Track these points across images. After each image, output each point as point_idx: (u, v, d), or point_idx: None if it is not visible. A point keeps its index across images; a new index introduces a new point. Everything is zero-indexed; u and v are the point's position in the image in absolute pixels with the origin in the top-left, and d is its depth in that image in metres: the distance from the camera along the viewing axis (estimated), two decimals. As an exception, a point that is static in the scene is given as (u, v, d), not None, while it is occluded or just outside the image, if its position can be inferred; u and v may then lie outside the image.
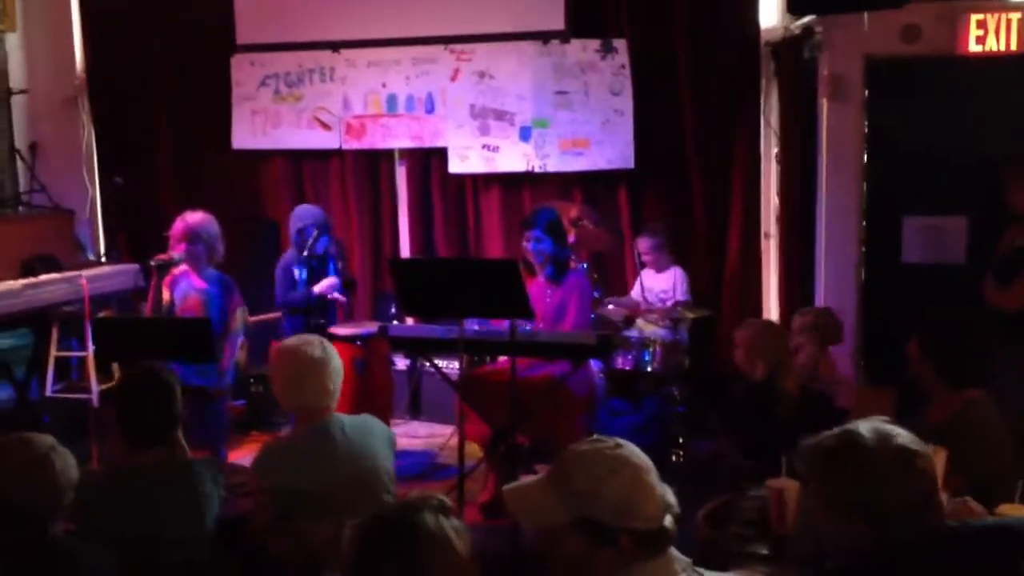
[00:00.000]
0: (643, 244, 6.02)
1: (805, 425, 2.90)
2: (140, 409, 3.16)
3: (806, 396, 4.12)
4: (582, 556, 1.98)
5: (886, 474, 2.07)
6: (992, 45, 5.06)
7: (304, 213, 5.83)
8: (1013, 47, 5.04)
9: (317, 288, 5.60)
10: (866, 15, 5.19)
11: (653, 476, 2.00)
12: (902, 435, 2.12)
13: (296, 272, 5.65)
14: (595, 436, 2.11)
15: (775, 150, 6.02)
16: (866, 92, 5.42)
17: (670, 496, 2.01)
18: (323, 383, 3.27)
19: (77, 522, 2.98)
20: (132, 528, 2.97)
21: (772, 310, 6.12)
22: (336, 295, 5.69)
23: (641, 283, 6.03)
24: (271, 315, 6.15)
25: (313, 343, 3.34)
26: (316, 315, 5.56)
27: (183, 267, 5.12)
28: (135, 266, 6.21)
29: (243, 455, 5.67)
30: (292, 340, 3.41)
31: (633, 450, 2.04)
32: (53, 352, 5.92)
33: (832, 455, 2.14)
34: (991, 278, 4.50)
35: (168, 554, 2.99)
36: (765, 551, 2.97)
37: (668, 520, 1.98)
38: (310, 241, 5.57)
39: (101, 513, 3.00)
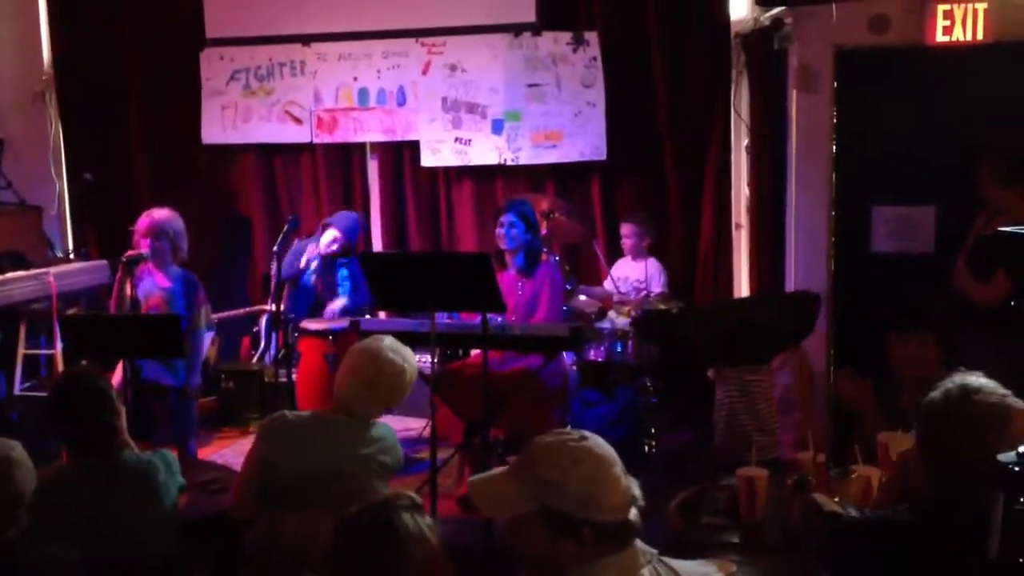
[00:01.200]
0: (627, 228, 6.05)
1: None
2: (73, 417, 3.11)
3: None
4: (546, 547, 1.97)
5: (970, 426, 2.29)
6: (959, 35, 5.08)
7: (356, 221, 5.97)
8: (980, 37, 5.06)
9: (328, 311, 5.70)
10: (834, 6, 5.22)
11: (618, 468, 1.99)
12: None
13: (303, 261, 5.74)
14: (560, 429, 2.11)
15: (746, 141, 6.04)
16: (835, 83, 5.43)
17: (635, 489, 2.00)
18: (389, 395, 3.29)
19: (32, 527, 2.95)
20: (89, 525, 2.94)
21: (744, 300, 6.14)
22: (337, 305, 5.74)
23: (620, 273, 6.04)
24: (242, 311, 6.12)
25: (387, 345, 3.29)
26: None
27: (147, 264, 5.08)
28: (104, 263, 6.17)
29: (213, 452, 5.66)
30: (384, 345, 3.32)
31: (598, 442, 2.03)
32: (21, 350, 5.89)
33: (939, 399, 2.36)
34: (965, 268, 4.52)
35: (129, 550, 2.97)
36: (736, 540, 2.98)
37: (633, 514, 1.97)
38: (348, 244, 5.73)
39: (56, 512, 2.96)
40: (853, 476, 3.09)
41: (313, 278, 5.78)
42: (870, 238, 5.40)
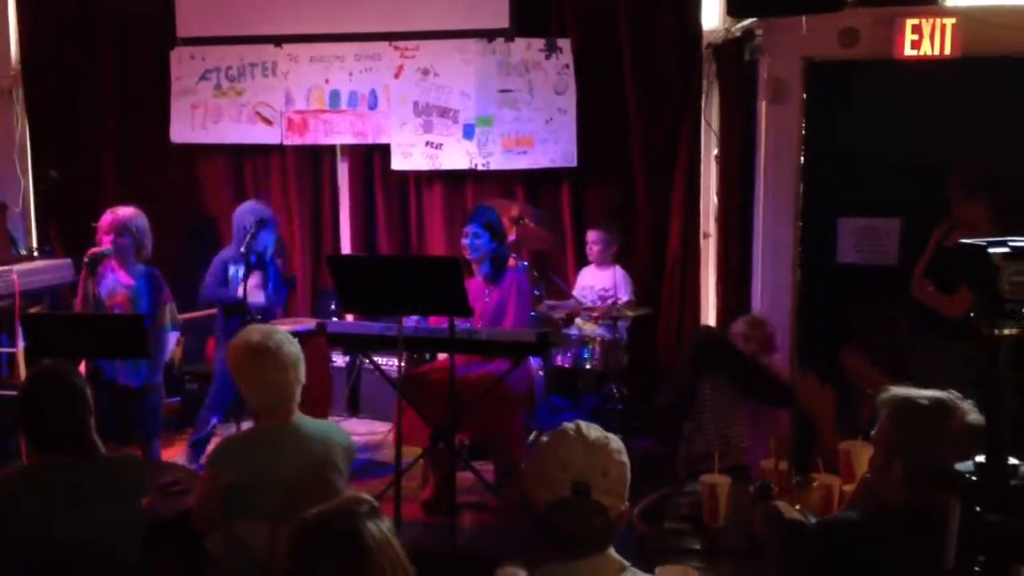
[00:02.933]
0: (593, 235, 6.08)
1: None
2: (44, 413, 3.07)
3: None
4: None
5: (956, 442, 2.29)
6: (927, 50, 5.14)
7: (246, 209, 5.72)
8: (947, 52, 5.12)
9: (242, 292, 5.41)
10: (805, 19, 5.25)
11: (567, 475, 2.00)
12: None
13: (232, 269, 5.55)
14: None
15: (715, 151, 6.07)
16: (804, 94, 5.48)
17: (575, 510, 2.00)
18: (279, 378, 3.17)
19: None
20: (54, 525, 2.92)
21: (710, 309, 6.17)
22: (260, 299, 5.54)
23: (586, 280, 6.06)
24: (208, 312, 6.06)
25: (265, 335, 3.22)
26: (254, 314, 5.44)
27: (111, 262, 5.03)
28: (67, 261, 6.09)
29: (177, 452, 5.61)
30: (250, 332, 3.28)
31: (588, 447, 2.04)
32: (-18, 348, 5.82)
33: (925, 411, 2.39)
34: (923, 278, 4.58)
35: (94, 550, 2.94)
36: (698, 546, 3.00)
37: (552, 518, 2.00)
38: (247, 238, 5.45)
39: (13, 514, 2.94)
40: (814, 485, 3.11)
41: (262, 295, 5.65)
42: (836, 249, 5.44)
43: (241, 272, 5.43)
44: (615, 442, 2.09)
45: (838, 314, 4.07)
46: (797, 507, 2.92)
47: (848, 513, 2.66)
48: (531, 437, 5.01)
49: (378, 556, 1.97)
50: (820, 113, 5.47)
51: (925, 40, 5.12)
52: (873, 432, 2.55)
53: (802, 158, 5.49)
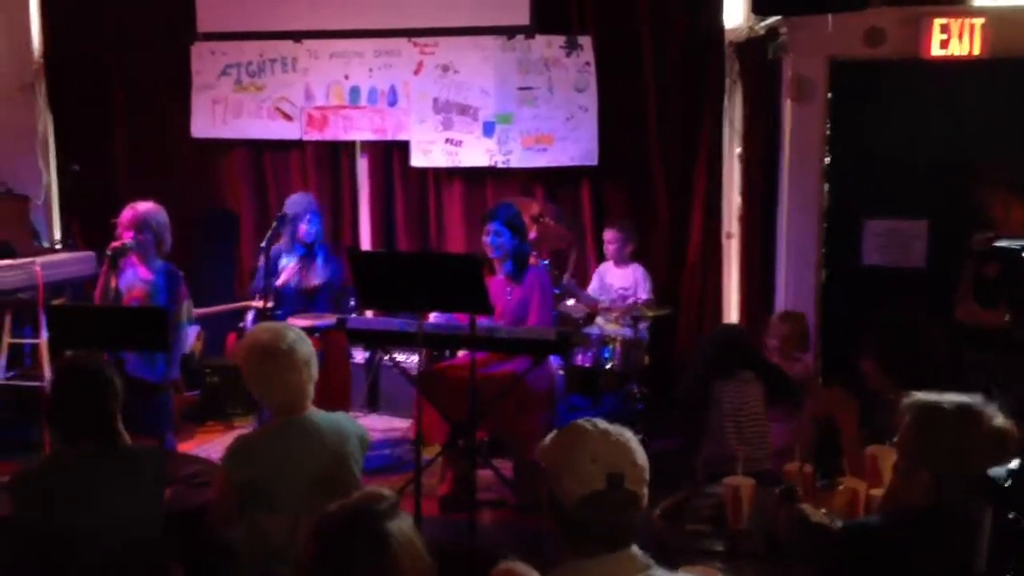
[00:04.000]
0: (609, 234, 6.04)
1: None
2: (74, 401, 3.11)
3: None
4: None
5: (981, 448, 2.32)
6: (956, 50, 5.09)
7: (293, 200, 5.79)
8: (976, 52, 5.08)
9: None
10: (830, 17, 5.21)
11: (598, 466, 1.99)
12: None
13: (284, 260, 5.66)
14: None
15: (738, 150, 6.04)
16: (829, 94, 5.44)
17: (610, 501, 1.99)
18: (293, 378, 3.16)
19: (20, 513, 2.94)
20: (72, 517, 2.93)
21: (732, 309, 6.14)
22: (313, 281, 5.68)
23: (601, 279, 6.02)
24: (228, 306, 6.08)
25: (281, 334, 3.20)
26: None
27: (131, 257, 5.04)
28: (90, 253, 6.12)
29: (197, 446, 5.63)
30: (260, 332, 3.27)
31: (612, 440, 2.04)
32: (6, 339, 5.85)
33: (950, 417, 2.39)
34: (970, 302, 4.49)
35: (113, 540, 2.95)
36: (721, 547, 2.98)
37: (585, 513, 1.99)
38: (304, 226, 5.58)
39: (38, 503, 2.96)
40: (840, 488, 3.08)
41: (295, 279, 5.72)
42: (861, 251, 5.40)
43: (291, 262, 5.57)
44: (629, 432, 2.09)
45: (863, 316, 4.03)
46: (822, 511, 2.90)
47: (873, 518, 2.64)
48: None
49: (401, 554, 1.96)
50: (845, 113, 5.43)
51: (954, 40, 5.07)
52: (897, 437, 2.52)
53: (827, 158, 5.46)
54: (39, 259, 5.81)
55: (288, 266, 5.70)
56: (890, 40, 5.27)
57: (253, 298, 5.76)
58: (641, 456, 2.05)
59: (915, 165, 5.26)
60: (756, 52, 5.84)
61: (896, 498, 2.59)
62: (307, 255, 5.73)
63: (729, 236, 6.18)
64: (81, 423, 3.09)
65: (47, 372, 5.57)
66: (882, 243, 5.36)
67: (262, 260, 5.48)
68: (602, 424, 2.07)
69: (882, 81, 5.36)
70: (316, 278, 5.73)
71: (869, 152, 5.39)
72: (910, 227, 5.32)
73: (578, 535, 2.00)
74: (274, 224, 5.53)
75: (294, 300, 5.69)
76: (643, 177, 6.30)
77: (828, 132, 5.44)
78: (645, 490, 2.04)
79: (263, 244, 5.47)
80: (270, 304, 5.40)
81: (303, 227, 5.68)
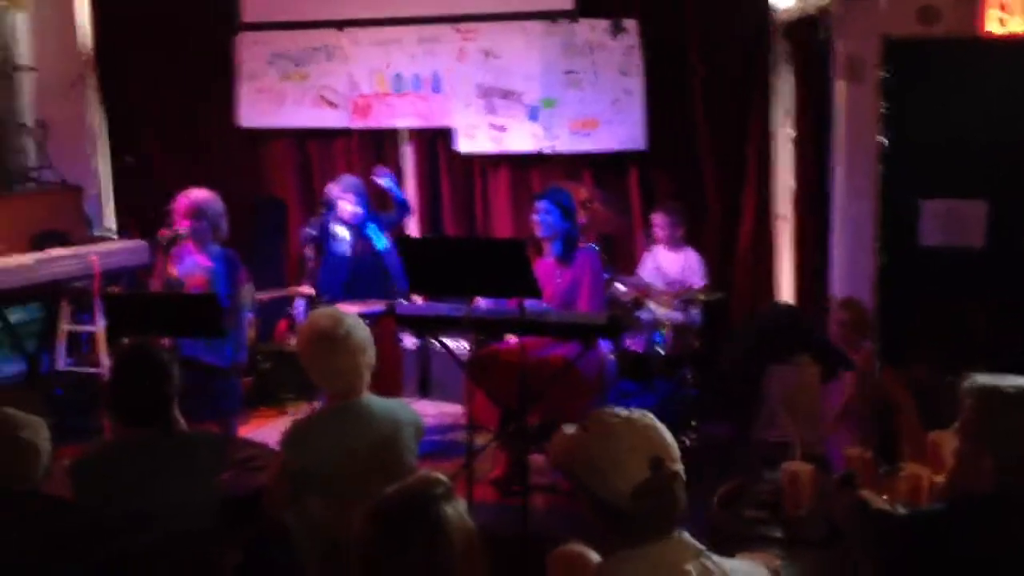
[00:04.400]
0: (659, 218, 5.99)
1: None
2: (132, 387, 3.15)
3: None
4: (583, 510, 2.05)
5: None
6: (1013, 27, 4.98)
7: (336, 182, 5.87)
8: (1036, 29, 4.97)
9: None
10: (884, -6, 5.13)
11: (639, 456, 1.98)
12: None
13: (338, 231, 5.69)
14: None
15: (789, 131, 5.96)
16: (882, 73, 5.34)
17: (657, 485, 1.98)
18: (350, 363, 3.20)
19: (81, 498, 2.99)
20: (129, 502, 2.97)
21: (786, 293, 6.08)
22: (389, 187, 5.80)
23: (656, 263, 5.98)
24: (279, 292, 6.13)
25: (339, 320, 3.24)
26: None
27: (187, 244, 5.09)
28: (143, 242, 6.20)
29: (251, 430, 5.69)
30: (318, 317, 3.31)
31: (639, 424, 2.03)
32: (64, 326, 5.95)
33: (1013, 399, 2.36)
34: None
35: (165, 527, 2.97)
36: (779, 534, 2.95)
37: (638, 504, 1.96)
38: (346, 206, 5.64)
39: (97, 488, 3.01)
40: (902, 474, 3.04)
41: (349, 249, 5.76)
42: (918, 232, 5.31)
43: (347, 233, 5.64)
44: (647, 412, 2.08)
45: (921, 298, 3.97)
46: (884, 497, 2.86)
47: (938, 505, 2.60)
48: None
49: (457, 538, 1.98)
50: (899, 92, 5.32)
51: (1012, 16, 4.95)
52: (958, 422, 2.48)
53: (881, 138, 5.37)
54: (94, 248, 5.90)
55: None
56: (945, 17, 5.17)
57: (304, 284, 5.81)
58: (666, 432, 2.05)
59: (972, 144, 5.14)
60: (806, 32, 5.76)
61: (959, 483, 2.55)
62: (356, 233, 5.75)
63: (782, 219, 6.11)
64: (139, 409, 3.14)
65: (104, 359, 5.66)
66: (940, 224, 5.25)
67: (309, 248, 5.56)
68: (620, 412, 2.05)
69: (937, 59, 5.25)
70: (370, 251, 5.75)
71: (924, 132, 5.27)
72: (968, 207, 5.21)
73: (631, 527, 1.99)
74: (322, 211, 5.57)
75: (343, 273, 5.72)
76: (692, 161, 6.25)
77: (882, 112, 5.35)
78: (681, 465, 2.03)
79: (311, 231, 5.54)
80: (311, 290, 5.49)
81: (348, 208, 5.70)
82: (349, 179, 5.92)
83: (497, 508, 4.67)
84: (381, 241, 5.77)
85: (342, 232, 5.72)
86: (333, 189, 5.76)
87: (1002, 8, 4.97)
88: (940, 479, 2.86)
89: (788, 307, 4.81)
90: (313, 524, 3.13)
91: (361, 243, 5.74)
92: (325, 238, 5.74)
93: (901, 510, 2.76)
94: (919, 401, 3.47)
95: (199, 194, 5.11)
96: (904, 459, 3.12)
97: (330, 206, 5.72)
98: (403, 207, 5.96)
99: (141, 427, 3.13)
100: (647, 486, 1.96)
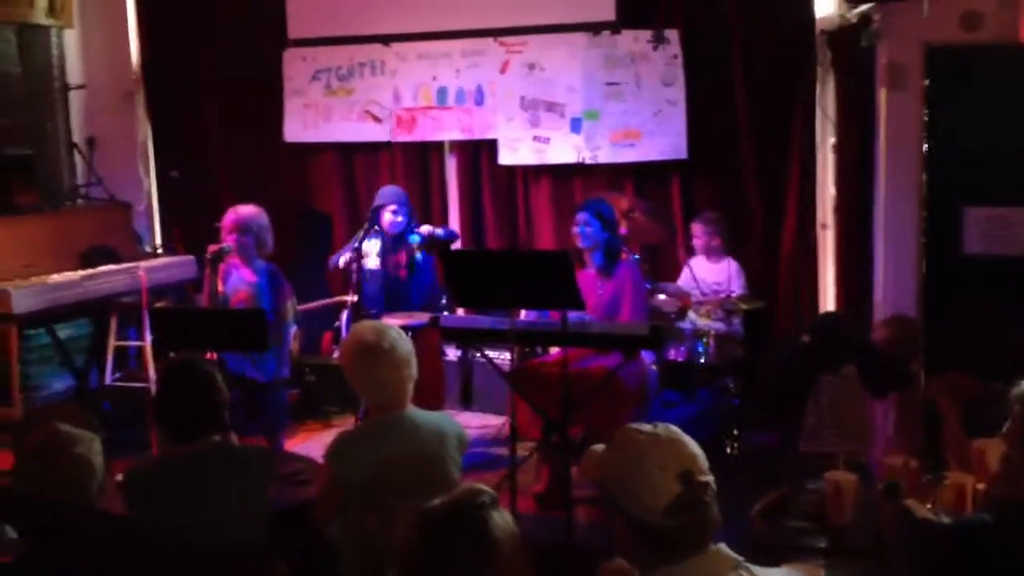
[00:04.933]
0: (697, 228, 6.00)
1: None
2: (180, 402, 3.18)
3: None
4: (613, 527, 2.03)
5: None
6: (1056, 33, 4.93)
7: (381, 192, 5.95)
8: (1078, 34, 4.90)
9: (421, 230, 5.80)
10: (925, 2, 5.09)
11: (669, 473, 1.96)
12: None
13: (368, 246, 5.74)
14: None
15: (832, 140, 5.93)
16: (925, 81, 5.31)
17: (690, 500, 1.97)
18: (394, 375, 3.23)
19: (133, 511, 3.03)
20: (181, 516, 3.00)
21: (829, 302, 6.04)
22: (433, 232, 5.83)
23: (692, 273, 5.97)
24: (322, 302, 6.20)
25: (383, 333, 3.27)
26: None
27: (233, 259, 5.17)
28: (190, 258, 6.31)
29: (297, 444, 5.75)
30: (363, 330, 3.33)
31: (667, 438, 2.02)
32: (112, 342, 6.05)
33: None
34: None
35: (217, 541, 3.00)
36: (823, 544, 2.94)
37: (672, 521, 1.95)
38: (388, 216, 5.71)
39: (149, 502, 3.04)
40: (947, 483, 3.02)
41: (379, 264, 5.80)
42: (962, 240, 5.26)
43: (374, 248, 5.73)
44: (671, 426, 2.07)
45: (966, 306, 3.93)
46: (928, 506, 2.84)
47: (984, 514, 2.57)
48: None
49: (504, 548, 2.00)
50: (942, 99, 5.29)
51: (1055, 22, 4.90)
52: (1005, 428, 2.46)
53: (924, 146, 5.33)
54: (142, 263, 6.00)
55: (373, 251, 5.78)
56: (987, 24, 5.12)
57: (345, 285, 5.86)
58: (694, 444, 2.03)
59: (1015, 151, 5.10)
60: (848, 41, 5.72)
61: (1005, 491, 2.53)
62: (395, 245, 5.80)
63: (824, 227, 6.07)
64: (187, 423, 3.16)
65: (152, 374, 5.74)
66: (984, 231, 5.21)
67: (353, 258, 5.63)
68: (646, 428, 2.04)
69: (980, 66, 5.21)
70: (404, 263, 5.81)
71: (968, 139, 5.24)
72: (1013, 214, 5.16)
73: (666, 545, 1.97)
74: (367, 221, 5.65)
75: (380, 287, 5.77)
76: (734, 170, 6.23)
77: (925, 119, 5.31)
78: (711, 476, 2.01)
79: (356, 244, 5.61)
80: (355, 298, 5.55)
81: (387, 217, 5.75)
82: (390, 189, 5.98)
83: (540, 520, 4.68)
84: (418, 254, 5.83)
85: (368, 247, 5.77)
86: (376, 199, 5.85)
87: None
88: (985, 487, 2.84)
89: (836, 317, 4.76)
90: (358, 536, 3.16)
91: (393, 258, 5.78)
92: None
93: (945, 519, 2.74)
94: (965, 408, 3.44)
95: (245, 209, 5.20)
96: (949, 467, 3.09)
97: (375, 218, 5.77)
98: (451, 235, 6.06)
99: (191, 442, 3.15)
100: (680, 501, 1.95)
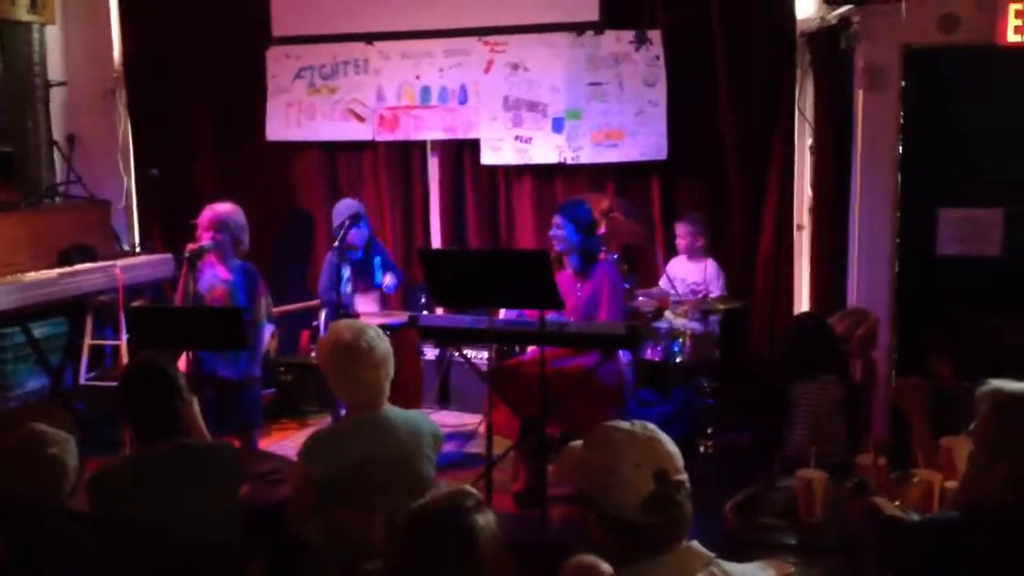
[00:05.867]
0: (682, 228, 6.03)
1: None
2: (140, 404, 3.17)
3: None
4: (585, 526, 2.04)
5: None
6: (1032, 34, 4.96)
7: (340, 208, 5.86)
8: (1054, 37, 4.94)
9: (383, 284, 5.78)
10: (904, 4, 5.12)
11: (644, 470, 1.98)
12: None
13: (346, 271, 5.71)
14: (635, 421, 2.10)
15: (809, 141, 5.97)
16: (903, 82, 5.34)
17: (663, 498, 1.98)
18: (372, 375, 3.23)
19: (96, 512, 3.02)
20: (148, 515, 2.98)
21: (804, 302, 6.07)
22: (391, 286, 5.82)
23: (677, 272, 6.00)
24: (302, 304, 6.18)
25: (362, 332, 3.27)
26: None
27: (209, 257, 5.16)
28: (168, 256, 6.28)
29: (273, 443, 5.74)
30: (341, 329, 3.33)
31: (644, 437, 2.03)
32: (88, 340, 6.02)
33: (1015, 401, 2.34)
34: None
35: (189, 538, 3.01)
36: (793, 541, 2.96)
37: (646, 518, 1.97)
38: (341, 233, 5.58)
39: (114, 502, 3.03)
40: (915, 480, 3.04)
41: (349, 288, 5.81)
42: (936, 241, 5.30)
43: (348, 272, 5.64)
44: (648, 424, 2.08)
45: (939, 307, 3.96)
46: (896, 503, 2.86)
47: (952, 512, 2.59)
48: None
49: (488, 549, 2.04)
50: (919, 101, 5.33)
51: (1032, 24, 4.94)
52: (972, 427, 2.48)
53: (900, 147, 5.36)
54: (119, 262, 5.97)
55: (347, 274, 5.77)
56: (965, 26, 5.15)
57: (323, 305, 5.84)
58: (670, 443, 2.05)
59: (990, 152, 5.14)
60: (828, 42, 5.75)
61: (971, 490, 2.55)
62: (363, 260, 5.82)
63: (800, 228, 6.11)
64: (150, 424, 3.14)
65: (127, 373, 5.71)
66: (957, 232, 5.25)
67: (326, 270, 5.61)
68: (623, 426, 2.06)
69: (957, 68, 5.25)
70: (374, 281, 5.85)
71: (943, 141, 5.28)
72: (985, 216, 5.20)
73: (639, 542, 1.99)
74: (340, 233, 5.63)
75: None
76: (714, 171, 6.26)
77: (901, 121, 5.35)
78: (686, 474, 2.03)
79: (335, 244, 5.60)
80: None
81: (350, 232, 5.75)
82: (350, 203, 5.94)
83: (517, 519, 4.69)
84: (378, 277, 5.89)
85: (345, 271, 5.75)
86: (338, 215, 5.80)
87: (1020, 16, 4.95)
88: (952, 485, 2.86)
89: (818, 323, 4.79)
90: (334, 534, 3.15)
91: (364, 282, 5.79)
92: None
93: (913, 516, 2.77)
94: (938, 406, 3.46)
95: (222, 207, 5.19)
96: (917, 465, 3.11)
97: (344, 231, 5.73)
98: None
99: (157, 441, 3.13)
100: (653, 499, 1.96)
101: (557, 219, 5.11)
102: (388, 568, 2.07)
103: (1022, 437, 2.34)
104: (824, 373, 4.23)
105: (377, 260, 5.88)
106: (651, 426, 2.07)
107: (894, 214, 5.40)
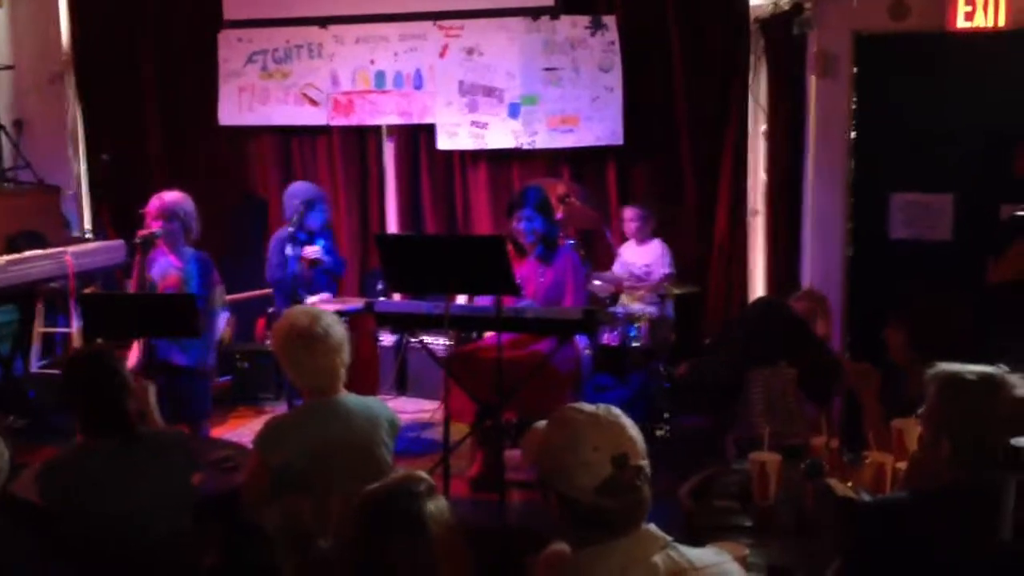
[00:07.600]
0: (628, 212, 6.06)
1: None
2: (86, 396, 3.10)
3: None
4: (550, 510, 2.04)
5: (1005, 418, 2.28)
6: (980, 21, 5.04)
7: (295, 190, 5.80)
8: (1001, 23, 5.02)
9: (304, 252, 5.60)
10: (855, -10, 5.18)
11: (603, 453, 1.98)
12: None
13: (288, 249, 5.61)
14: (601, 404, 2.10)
15: (763, 127, 6.01)
16: (855, 69, 5.40)
17: (621, 482, 1.98)
18: (327, 361, 3.21)
19: (47, 503, 2.97)
20: (99, 506, 2.95)
21: (759, 286, 6.13)
22: (320, 257, 5.66)
23: (627, 257, 6.02)
24: (258, 292, 6.13)
25: (317, 318, 3.24)
26: (304, 289, 5.54)
27: (160, 246, 5.09)
28: (120, 243, 6.19)
29: (228, 431, 5.70)
30: (296, 315, 3.30)
31: (605, 419, 2.03)
32: (38, 328, 5.93)
33: (973, 386, 2.37)
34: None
35: (140, 528, 2.98)
36: (748, 523, 2.98)
37: (603, 501, 1.97)
38: (295, 217, 5.54)
39: (64, 493, 2.98)
40: (867, 462, 3.08)
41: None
42: (888, 225, 5.37)
43: (296, 251, 5.54)
44: (612, 408, 2.08)
45: (890, 290, 4.01)
46: (849, 484, 2.90)
47: (899, 493, 2.63)
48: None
49: (439, 535, 2.02)
50: (870, 87, 5.40)
51: (978, 11, 5.01)
52: (921, 409, 2.52)
53: (852, 133, 5.42)
54: (70, 249, 5.88)
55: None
56: (915, 13, 5.22)
57: (273, 288, 5.78)
58: (633, 428, 2.05)
59: (940, 138, 5.22)
60: (781, 28, 5.80)
61: (919, 470, 2.59)
62: (308, 241, 5.73)
63: (755, 213, 6.16)
64: (94, 417, 3.09)
65: (79, 360, 5.64)
66: (908, 217, 5.33)
67: (273, 251, 5.55)
68: (586, 408, 2.06)
69: (907, 54, 5.32)
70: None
71: (895, 126, 5.35)
72: (936, 200, 5.29)
73: (596, 524, 1.99)
74: (301, 209, 5.57)
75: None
76: (669, 156, 6.29)
77: (853, 107, 5.41)
78: (646, 460, 2.03)
79: (291, 229, 5.54)
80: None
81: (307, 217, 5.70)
82: (306, 186, 5.88)
83: (474, 504, 4.70)
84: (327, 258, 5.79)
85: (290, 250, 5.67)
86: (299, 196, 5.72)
87: (968, 3, 5.02)
88: (903, 466, 2.91)
89: (772, 308, 4.82)
90: (289, 522, 3.14)
91: (308, 262, 5.72)
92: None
93: (865, 497, 2.81)
94: (891, 386, 3.51)
95: (170, 196, 5.10)
96: (869, 447, 3.16)
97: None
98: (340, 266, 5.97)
99: (103, 434, 3.07)
100: (611, 483, 1.96)
101: (527, 212, 5.05)
102: (338, 551, 2.06)
103: (963, 417, 2.37)
104: (779, 357, 4.26)
105: (320, 242, 5.78)
106: (616, 410, 2.07)
107: (847, 199, 5.47)
